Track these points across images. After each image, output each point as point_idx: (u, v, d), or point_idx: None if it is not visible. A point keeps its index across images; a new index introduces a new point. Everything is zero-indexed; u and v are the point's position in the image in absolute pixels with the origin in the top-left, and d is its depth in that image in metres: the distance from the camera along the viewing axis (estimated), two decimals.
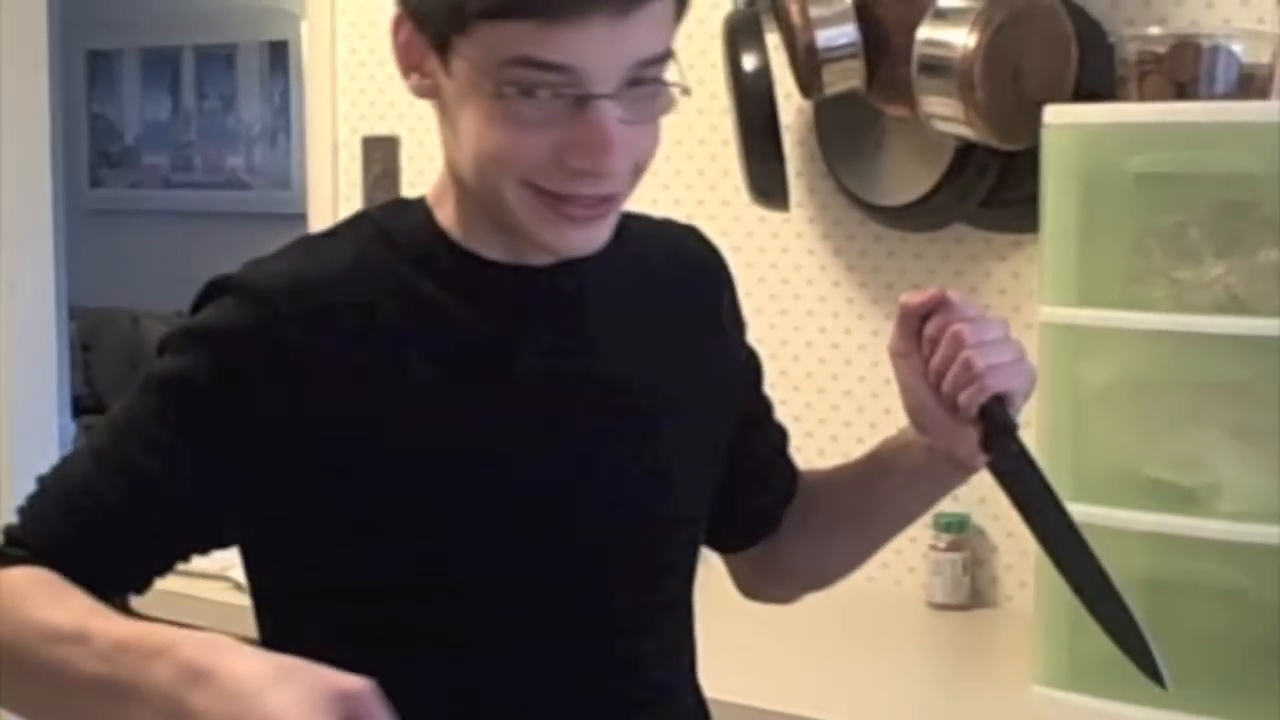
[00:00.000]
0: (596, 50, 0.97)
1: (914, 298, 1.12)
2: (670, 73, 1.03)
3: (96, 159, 5.81)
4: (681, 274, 1.21)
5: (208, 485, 1.03)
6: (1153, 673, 1.11)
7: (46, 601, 0.96)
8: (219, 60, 5.42)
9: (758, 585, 1.36)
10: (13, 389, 3.16)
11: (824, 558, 1.32)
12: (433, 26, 1.01)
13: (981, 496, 2.15)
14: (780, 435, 1.32)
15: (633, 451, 1.13)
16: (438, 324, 1.07)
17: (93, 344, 5.19)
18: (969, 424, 1.11)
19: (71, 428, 3.50)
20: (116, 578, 1.04)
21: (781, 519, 1.31)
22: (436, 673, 1.07)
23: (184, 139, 5.62)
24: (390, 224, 1.10)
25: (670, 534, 1.18)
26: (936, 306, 1.11)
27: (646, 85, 1.01)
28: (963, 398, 1.09)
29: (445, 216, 1.10)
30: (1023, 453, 1.12)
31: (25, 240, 3.17)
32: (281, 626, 1.12)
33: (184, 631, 0.91)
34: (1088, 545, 1.11)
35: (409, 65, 1.05)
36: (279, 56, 5.18)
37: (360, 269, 1.07)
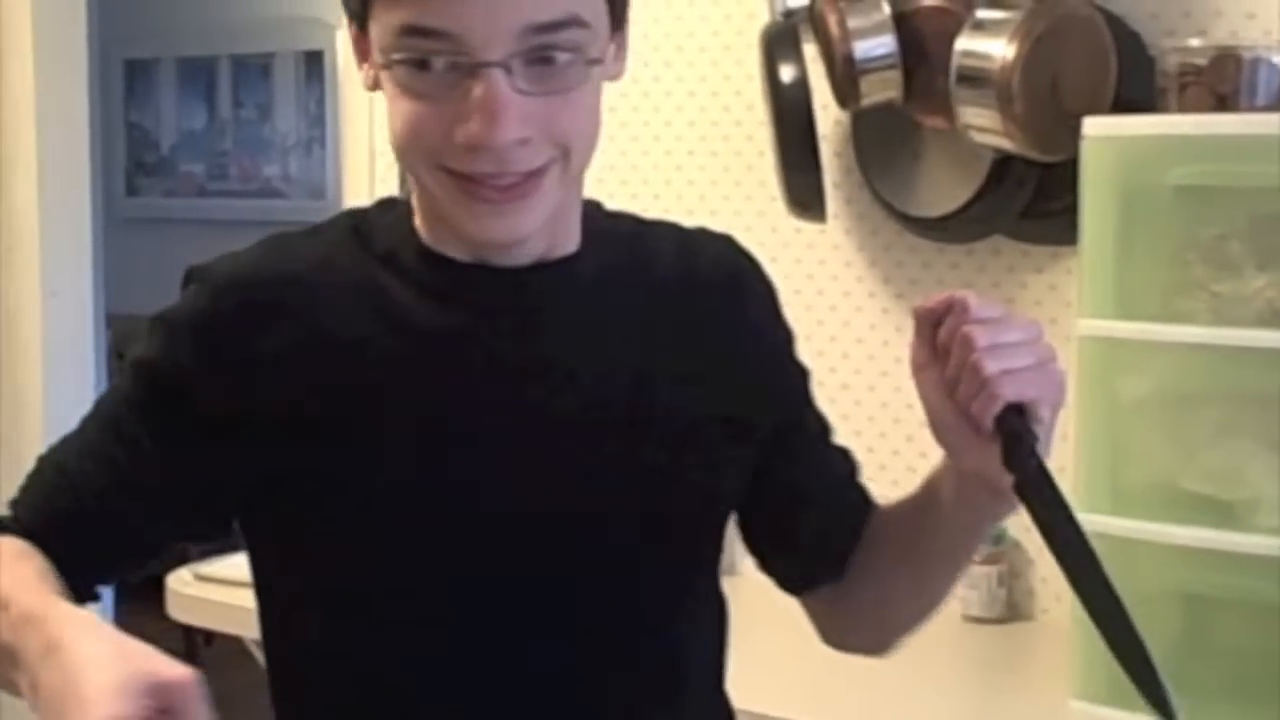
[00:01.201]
0: (478, 15, 0.93)
1: (927, 302, 1.04)
2: (596, 45, 0.98)
3: (133, 167, 5.85)
4: (696, 281, 1.14)
5: (170, 471, 1.05)
6: (1161, 704, 0.99)
7: (14, 568, 0.99)
8: (255, 69, 5.45)
9: (831, 632, 1.26)
10: (51, 396, 3.18)
11: (887, 603, 1.21)
12: (353, 13, 1.01)
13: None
14: (840, 461, 1.23)
15: (589, 457, 1.06)
16: (396, 323, 1.04)
17: (128, 351, 5.21)
18: (990, 439, 1.00)
19: None
20: (87, 559, 1.06)
21: (845, 553, 1.20)
22: (398, 653, 1.06)
23: (220, 148, 5.65)
24: (367, 223, 1.09)
25: (629, 550, 1.09)
26: (949, 309, 1.01)
27: (550, 54, 0.96)
28: (975, 408, 0.99)
29: (418, 216, 1.08)
30: (1040, 469, 1.00)
31: (64, 248, 3.20)
32: (266, 610, 1.13)
33: (72, 610, 0.92)
34: (1103, 570, 1.01)
35: (358, 60, 1.04)
36: (315, 66, 5.21)
37: (324, 266, 1.06)
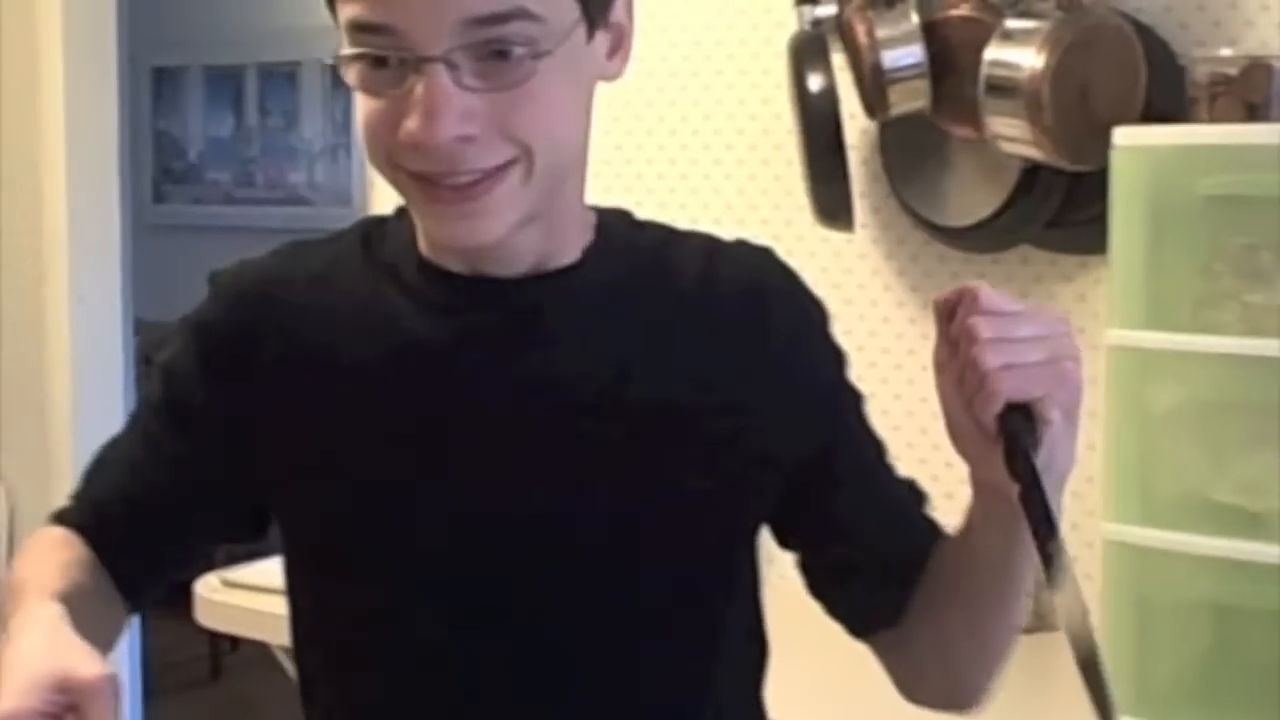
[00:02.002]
0: (417, 8, 0.90)
1: (944, 293, 0.98)
2: (550, 38, 0.93)
3: (160, 175, 5.89)
4: (714, 295, 1.07)
5: (190, 472, 1.07)
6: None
7: (35, 558, 1.04)
8: (282, 78, 5.48)
9: (900, 683, 1.17)
10: (81, 401, 3.20)
11: (946, 649, 1.11)
12: (331, 13, 0.99)
13: None
14: (897, 495, 1.14)
15: (575, 474, 1.02)
16: (388, 335, 1.03)
17: (154, 358, 5.24)
18: (997, 443, 0.93)
19: None
20: (128, 555, 1.09)
21: (900, 596, 1.12)
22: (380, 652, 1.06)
23: (246, 155, 5.68)
24: (380, 231, 1.08)
25: (613, 567, 1.03)
26: (960, 301, 0.95)
27: (501, 48, 0.91)
28: (975, 406, 0.93)
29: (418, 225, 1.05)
30: (1032, 476, 0.92)
31: (93, 255, 3.22)
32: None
33: (41, 606, 0.94)
34: (1080, 593, 0.93)
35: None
36: (341, 74, 5.23)
37: (328, 275, 1.06)
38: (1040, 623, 2.14)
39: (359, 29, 0.93)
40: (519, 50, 0.91)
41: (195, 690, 4.33)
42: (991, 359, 0.91)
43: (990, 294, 0.94)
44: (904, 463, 2.20)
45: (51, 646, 0.88)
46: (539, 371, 1.02)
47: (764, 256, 1.13)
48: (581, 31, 0.96)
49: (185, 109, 5.81)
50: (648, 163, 2.46)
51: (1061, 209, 2.06)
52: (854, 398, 1.14)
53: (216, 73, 5.68)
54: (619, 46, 1.02)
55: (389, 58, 0.92)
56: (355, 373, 1.03)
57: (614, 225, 1.09)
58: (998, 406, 0.92)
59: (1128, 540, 1.79)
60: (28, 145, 3.22)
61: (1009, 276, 2.18)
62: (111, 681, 0.85)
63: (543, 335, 1.03)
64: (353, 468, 1.03)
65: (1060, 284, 2.14)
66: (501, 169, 0.94)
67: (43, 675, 0.84)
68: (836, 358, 1.13)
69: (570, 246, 1.05)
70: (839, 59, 2.10)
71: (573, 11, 0.95)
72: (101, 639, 1.05)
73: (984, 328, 0.92)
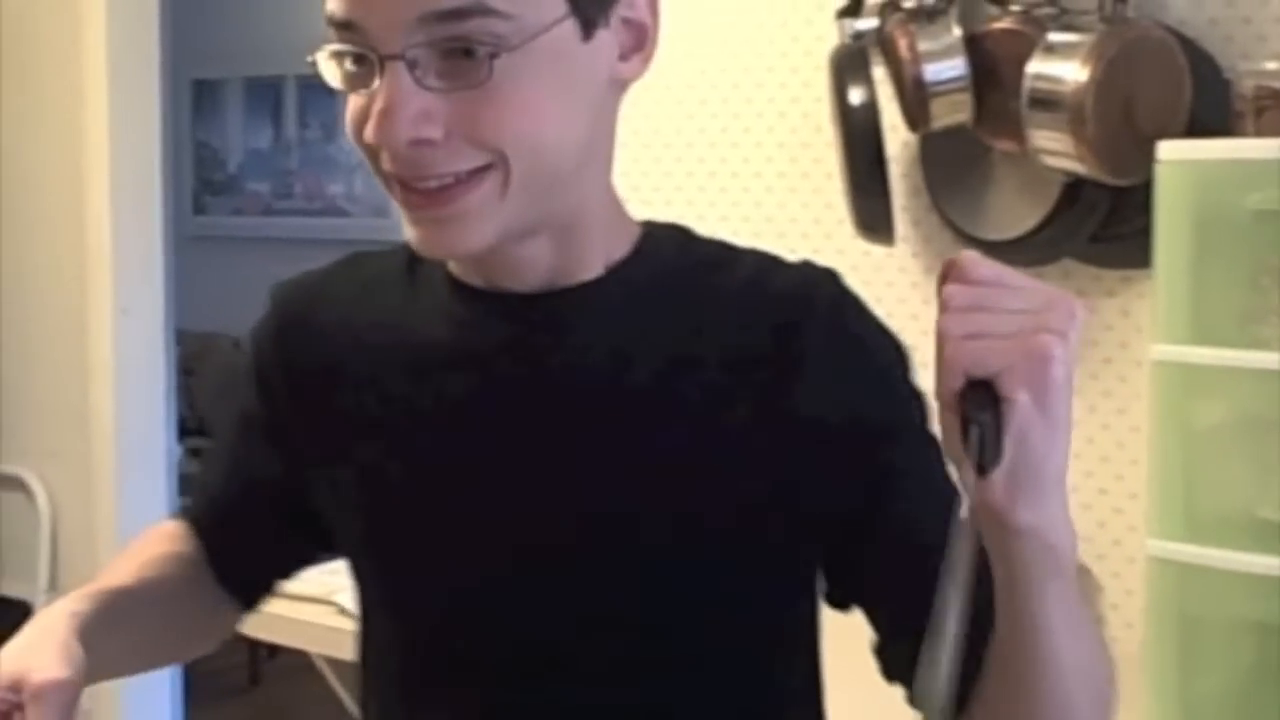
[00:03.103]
0: (373, 3, 0.87)
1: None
2: (519, 36, 0.87)
3: (200, 186, 5.93)
4: (751, 320, 0.99)
5: (257, 473, 1.11)
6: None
7: (129, 551, 1.10)
8: (320, 90, 5.41)
9: None
10: (124, 412, 3.22)
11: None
12: None
13: (1087, 535, 2.12)
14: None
15: (560, 497, 0.97)
16: (412, 350, 1.02)
17: (195, 368, 5.28)
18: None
19: (177, 450, 3.56)
20: (228, 554, 1.13)
21: (963, 688, 0.90)
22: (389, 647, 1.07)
23: (285, 167, 5.72)
24: None
25: (618, 599, 0.97)
26: (947, 273, 0.84)
27: (466, 45, 0.86)
28: (936, 382, 0.82)
29: None
30: (983, 458, 0.81)
31: (136, 266, 3.24)
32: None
33: (59, 603, 0.99)
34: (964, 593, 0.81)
35: None
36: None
37: (370, 287, 1.06)
38: None
39: (333, 25, 0.90)
40: (483, 49, 0.86)
41: (234, 697, 4.35)
42: (955, 327, 0.81)
43: (975, 261, 0.83)
44: None
45: (29, 645, 0.92)
46: (545, 392, 0.98)
47: (819, 283, 1.02)
48: (570, 29, 0.90)
49: (225, 121, 5.86)
50: (687, 175, 2.46)
51: (1105, 223, 2.05)
52: (916, 450, 0.98)
53: (256, 85, 5.73)
54: (638, 46, 0.95)
55: (366, 55, 0.89)
56: (376, 386, 1.03)
57: (659, 240, 1.03)
58: (955, 381, 0.80)
59: (1171, 557, 1.78)
60: (71, 159, 3.25)
61: None
62: (61, 687, 0.88)
63: (554, 352, 0.99)
64: (365, 477, 1.03)
65: (1103, 299, 2.13)
66: (476, 175, 0.89)
67: (2, 673, 0.89)
68: (900, 402, 1.00)
69: (591, 261, 0.99)
70: (880, 72, 2.10)
71: (554, 8, 0.89)
72: (150, 638, 1.09)
73: (958, 296, 0.82)
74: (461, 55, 0.87)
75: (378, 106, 0.87)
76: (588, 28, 0.91)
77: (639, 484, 0.97)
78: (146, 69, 3.26)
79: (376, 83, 0.88)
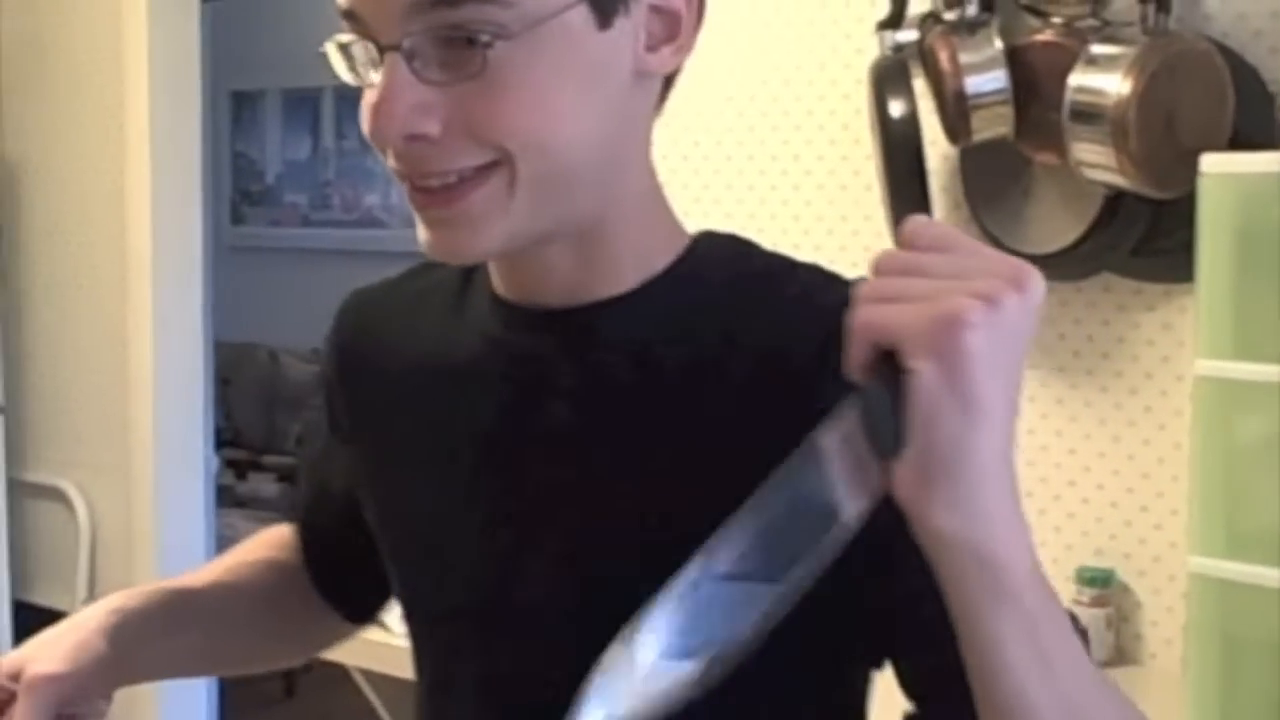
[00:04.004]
0: None
1: None
2: (520, 22, 0.80)
3: (238, 197, 5.96)
4: (784, 346, 0.88)
5: (335, 481, 1.11)
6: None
7: (230, 554, 1.13)
8: (358, 101, 5.52)
9: None
10: (163, 423, 3.24)
11: None
12: None
13: (1126, 552, 2.11)
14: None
15: (574, 536, 0.90)
16: (443, 359, 0.98)
17: (232, 378, 5.31)
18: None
19: (215, 460, 3.58)
20: (323, 565, 1.14)
21: None
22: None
23: (323, 178, 5.74)
24: None
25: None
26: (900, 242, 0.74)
27: (465, 34, 0.80)
28: (845, 357, 0.71)
29: None
30: (875, 434, 0.70)
31: (175, 278, 3.26)
32: None
33: (121, 595, 1.02)
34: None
35: None
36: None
37: (423, 298, 1.02)
38: (1120, 656, 2.12)
39: (341, 15, 0.85)
40: (483, 37, 0.79)
41: (270, 708, 4.36)
42: (869, 291, 0.70)
43: (922, 224, 0.72)
44: None
45: (48, 637, 0.95)
46: (559, 416, 0.91)
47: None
48: (583, 16, 0.82)
49: (263, 132, 5.89)
50: (726, 188, 2.46)
51: (1146, 236, 2.04)
52: None
53: (294, 96, 5.75)
54: (670, 36, 0.86)
55: (359, 48, 0.84)
56: (413, 401, 1.00)
57: (709, 252, 0.94)
58: (859, 352, 0.70)
59: (1213, 574, 1.76)
60: (113, 171, 3.28)
61: (1092, 304, 2.15)
62: (51, 681, 0.92)
63: (570, 372, 0.92)
64: (390, 491, 1.02)
65: (1144, 313, 2.11)
66: (481, 173, 0.82)
67: (8, 662, 0.93)
68: None
69: (620, 272, 0.91)
70: (920, 84, 2.10)
71: None
72: (220, 641, 1.09)
73: (888, 259, 0.71)
74: (464, 45, 0.80)
75: (371, 99, 0.81)
76: (604, 15, 0.83)
77: (658, 507, 0.87)
78: (188, 81, 3.28)
79: (373, 75, 0.82)
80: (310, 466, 1.16)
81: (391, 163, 0.84)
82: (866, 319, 0.69)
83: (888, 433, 0.69)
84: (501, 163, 0.82)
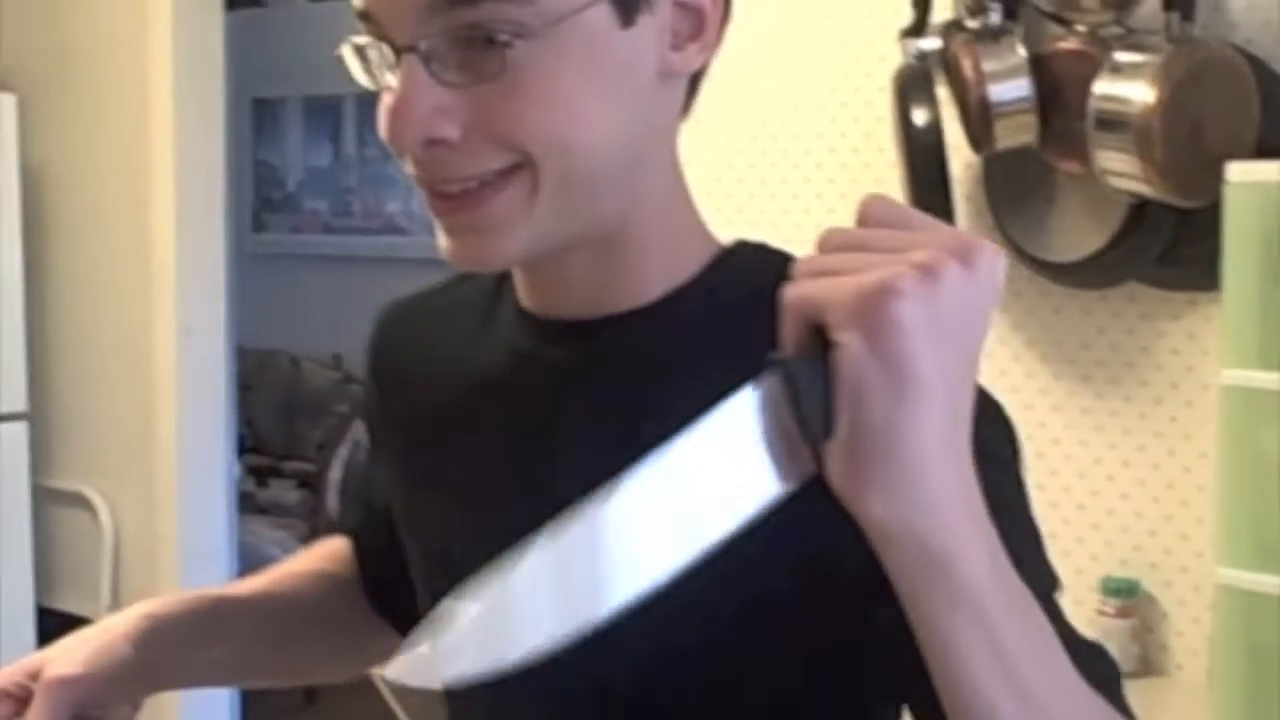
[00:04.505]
0: None
1: None
2: (540, 21, 0.77)
3: (260, 204, 5.98)
4: None
5: (371, 502, 1.11)
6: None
7: (282, 563, 1.12)
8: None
9: None
10: (186, 429, 3.25)
11: None
12: None
13: (1152, 562, 2.10)
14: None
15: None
16: (466, 372, 0.96)
17: (253, 384, 5.32)
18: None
19: (236, 466, 3.58)
20: (371, 574, 1.12)
21: None
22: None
23: (344, 185, 5.75)
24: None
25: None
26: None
27: (484, 34, 0.77)
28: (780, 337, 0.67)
29: None
30: (799, 414, 0.64)
31: (199, 285, 3.27)
32: None
33: (158, 601, 1.01)
34: None
35: None
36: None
37: (456, 308, 1.00)
38: (1145, 667, 2.11)
39: (357, 17, 0.82)
40: (502, 36, 0.76)
41: (291, 715, 4.37)
42: (804, 266, 0.66)
43: (869, 202, 0.68)
44: None
45: (75, 639, 0.95)
46: (569, 433, 0.88)
47: None
48: (605, 14, 0.79)
49: (285, 139, 5.91)
50: (749, 197, 2.45)
51: (1171, 245, 2.03)
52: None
53: (315, 103, 5.77)
54: (696, 33, 0.83)
55: (374, 51, 0.82)
56: (438, 415, 0.98)
57: (739, 263, 0.91)
58: (790, 329, 0.65)
59: (1239, 585, 1.75)
60: (137, 179, 3.29)
61: (1116, 314, 2.15)
62: (65, 684, 0.92)
63: (584, 389, 0.88)
64: (425, 509, 0.99)
65: (1169, 322, 2.11)
66: (502, 177, 0.80)
67: (31, 662, 0.94)
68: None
69: (643, 283, 0.88)
70: (943, 92, 2.09)
71: None
72: (264, 651, 1.08)
73: (829, 238, 0.67)
74: (483, 45, 0.77)
75: (388, 102, 0.78)
76: (627, 12, 0.80)
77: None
78: (211, 89, 3.29)
79: (389, 77, 0.79)
80: (363, 477, 1.16)
81: (410, 168, 0.82)
82: (797, 293, 0.65)
83: (815, 413, 0.64)
84: (524, 166, 0.79)
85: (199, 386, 3.27)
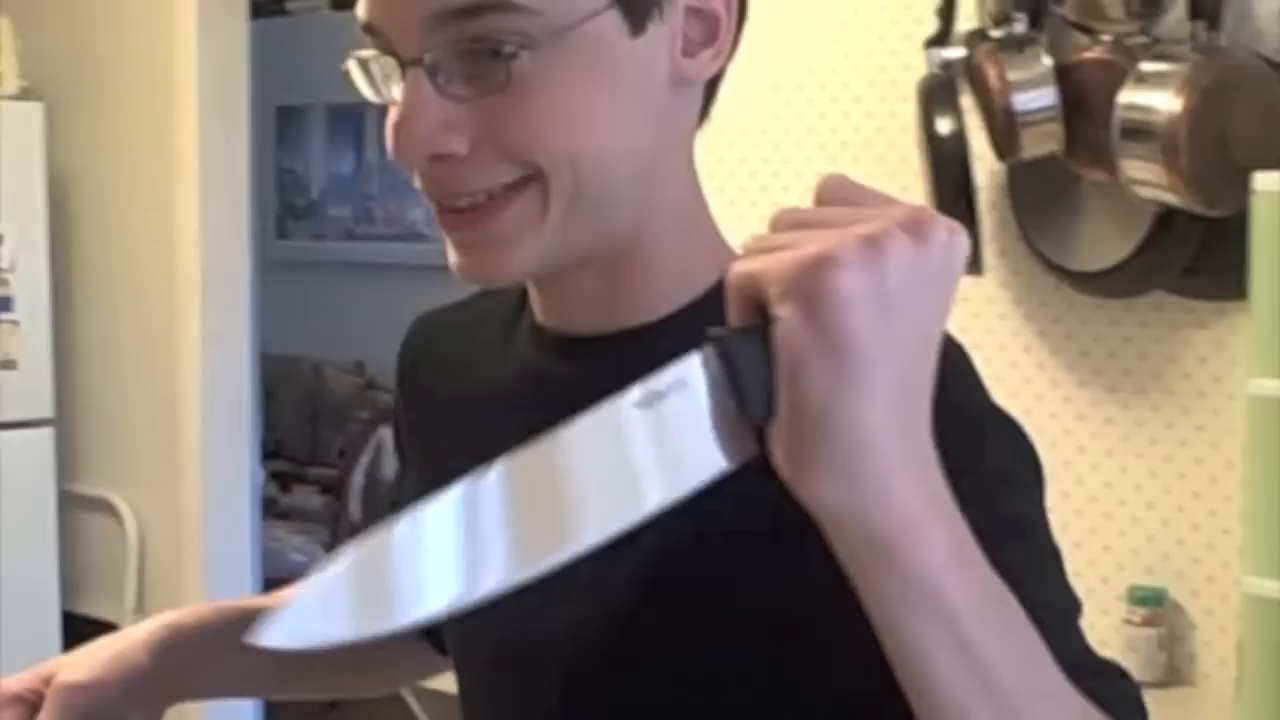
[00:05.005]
0: (386, 2, 0.78)
1: None
2: (547, 31, 0.75)
3: (283, 211, 6.00)
4: None
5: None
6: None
7: None
8: None
9: None
10: (211, 435, 3.26)
11: None
12: None
13: (1179, 571, 2.09)
14: None
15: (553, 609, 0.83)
16: (482, 388, 0.93)
17: (276, 391, 5.33)
18: None
19: (260, 472, 3.60)
20: None
21: None
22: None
23: (366, 192, 5.77)
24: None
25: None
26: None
27: (492, 46, 0.75)
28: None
29: None
30: (733, 391, 0.62)
31: (224, 292, 3.29)
32: None
33: (186, 610, 1.01)
34: None
35: None
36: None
37: (479, 323, 0.97)
38: (1173, 677, 2.10)
39: (362, 29, 0.80)
40: (508, 48, 0.75)
41: None
42: (750, 245, 0.64)
43: (826, 181, 0.66)
44: None
45: (87, 648, 0.96)
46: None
47: None
48: (613, 22, 0.77)
49: (308, 146, 5.92)
50: (773, 205, 2.45)
51: (1198, 254, 2.03)
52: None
53: (338, 111, 5.78)
54: (709, 40, 0.80)
55: (380, 64, 0.80)
56: (454, 431, 0.96)
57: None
58: (735, 309, 0.63)
59: (1266, 595, 1.74)
60: (162, 186, 3.31)
61: (1142, 323, 2.14)
62: (73, 691, 0.93)
63: (597, 401, 0.84)
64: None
65: (1196, 331, 2.10)
66: (511, 190, 0.78)
67: (46, 668, 0.94)
68: (977, 471, 0.73)
69: (659, 297, 0.84)
70: (967, 101, 2.09)
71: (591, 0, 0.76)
72: (291, 664, 1.04)
73: (780, 217, 0.65)
74: (489, 57, 0.75)
75: (393, 118, 0.77)
76: (636, 20, 0.77)
77: (681, 541, 0.78)
78: (236, 98, 3.31)
79: (395, 91, 0.78)
80: (393, 491, 1.16)
81: (418, 183, 0.80)
82: (740, 269, 0.62)
83: (756, 392, 0.61)
84: (533, 179, 0.77)
85: (223, 392, 3.28)
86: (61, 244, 3.44)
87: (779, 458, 0.61)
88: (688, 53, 0.80)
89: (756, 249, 0.63)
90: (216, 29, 3.24)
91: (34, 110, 3.37)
